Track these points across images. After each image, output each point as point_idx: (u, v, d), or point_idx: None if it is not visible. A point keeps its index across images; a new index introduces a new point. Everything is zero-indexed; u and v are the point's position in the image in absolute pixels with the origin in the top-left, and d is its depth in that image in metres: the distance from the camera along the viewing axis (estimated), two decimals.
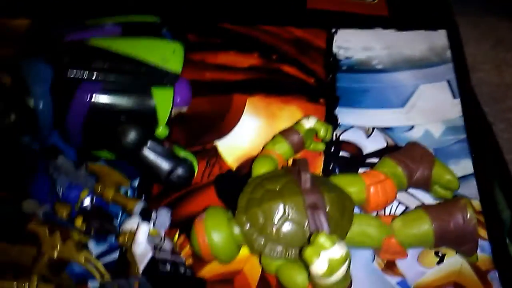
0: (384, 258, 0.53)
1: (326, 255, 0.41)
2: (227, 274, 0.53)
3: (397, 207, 0.58)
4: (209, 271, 0.52)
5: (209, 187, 0.61)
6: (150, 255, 0.48)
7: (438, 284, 0.52)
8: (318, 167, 0.61)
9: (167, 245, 0.51)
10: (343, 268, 0.42)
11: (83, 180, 0.54)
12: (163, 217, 0.51)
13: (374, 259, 0.54)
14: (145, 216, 0.51)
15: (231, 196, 0.56)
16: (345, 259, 0.41)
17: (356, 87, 0.70)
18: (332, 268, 0.41)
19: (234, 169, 0.63)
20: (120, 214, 0.57)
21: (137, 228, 0.49)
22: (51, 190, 0.56)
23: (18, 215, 0.53)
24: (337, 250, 0.41)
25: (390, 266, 0.54)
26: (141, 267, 0.48)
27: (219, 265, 0.52)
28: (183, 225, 0.55)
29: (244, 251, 0.53)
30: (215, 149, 0.65)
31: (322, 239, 0.41)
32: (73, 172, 0.54)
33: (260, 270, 0.53)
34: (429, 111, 0.68)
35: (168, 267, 0.48)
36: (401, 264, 0.54)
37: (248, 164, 0.63)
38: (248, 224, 0.50)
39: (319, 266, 0.41)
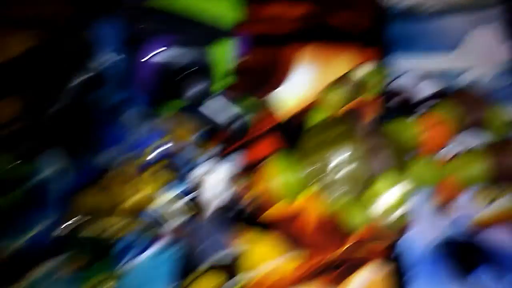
0: (441, 197, 0.55)
1: (390, 192, 0.43)
2: (289, 214, 0.56)
3: (451, 150, 0.60)
4: (273, 211, 0.56)
5: (267, 136, 0.64)
6: (221, 197, 0.52)
7: (493, 221, 0.54)
8: (372, 114, 0.63)
9: (234, 188, 0.55)
10: (403, 207, 0.44)
11: (155, 130, 0.58)
12: (232, 162, 0.55)
13: (430, 199, 0.56)
14: (218, 160, 0.55)
15: (288, 143, 0.60)
16: (405, 197, 0.44)
17: (408, 33, 0.71)
18: (393, 206, 0.44)
19: (290, 118, 0.65)
20: (192, 160, 0.61)
21: (209, 173, 0.53)
22: (126, 141, 0.60)
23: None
24: (397, 190, 0.43)
25: (446, 206, 0.56)
26: (216, 206, 0.52)
27: (283, 206, 0.56)
28: (246, 171, 0.59)
29: (306, 193, 0.56)
30: (270, 100, 0.67)
31: (385, 178, 0.44)
32: (146, 123, 0.58)
33: (321, 210, 0.56)
34: (480, 55, 0.68)
35: (238, 207, 0.52)
36: (456, 203, 0.55)
37: (303, 113, 0.65)
38: (311, 167, 0.53)
39: (381, 205, 0.44)
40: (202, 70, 0.58)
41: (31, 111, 0.57)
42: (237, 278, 0.47)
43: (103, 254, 0.51)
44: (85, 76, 0.56)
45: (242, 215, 0.53)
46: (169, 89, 0.57)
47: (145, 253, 0.55)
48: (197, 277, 0.48)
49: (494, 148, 0.53)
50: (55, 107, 0.56)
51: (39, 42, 0.60)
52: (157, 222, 0.54)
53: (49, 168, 0.62)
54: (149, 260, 0.54)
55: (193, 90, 0.56)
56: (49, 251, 0.54)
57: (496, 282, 0.49)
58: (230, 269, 0.48)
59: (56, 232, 0.56)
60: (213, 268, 0.47)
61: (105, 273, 0.49)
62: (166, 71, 0.56)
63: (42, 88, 0.60)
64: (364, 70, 0.61)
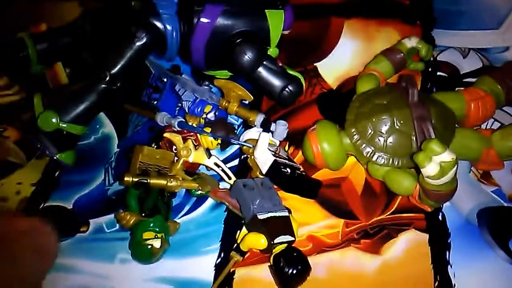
0: (481, 169, 0.57)
1: (438, 159, 0.45)
2: (335, 180, 0.59)
3: (492, 124, 0.61)
4: (319, 177, 0.58)
5: (312, 105, 0.66)
6: (272, 159, 0.54)
7: None
8: (417, 86, 0.64)
9: (282, 153, 0.57)
10: (453, 171, 0.46)
11: (207, 96, 0.61)
12: (282, 128, 0.57)
13: (470, 170, 0.58)
14: (265, 127, 0.57)
15: (332, 112, 0.61)
16: (454, 163, 0.46)
17: (452, 8, 0.71)
18: (443, 170, 0.45)
19: (334, 88, 0.67)
20: (238, 126, 0.64)
21: (259, 137, 0.55)
22: (178, 106, 0.63)
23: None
24: (448, 155, 0.45)
25: (485, 177, 0.57)
26: (264, 170, 0.55)
27: (328, 172, 0.58)
28: (291, 138, 0.62)
29: (350, 160, 0.58)
30: (315, 70, 0.69)
31: (434, 145, 0.45)
32: (197, 89, 0.61)
33: (364, 177, 0.58)
34: None
35: (288, 170, 0.54)
36: (496, 175, 0.57)
37: (347, 83, 0.67)
38: (358, 135, 0.55)
39: (431, 169, 0.45)
40: (257, 36, 0.59)
41: (90, 74, 0.60)
42: (282, 237, 0.49)
43: (162, 207, 0.54)
44: (145, 41, 0.57)
45: (289, 179, 0.55)
46: (223, 54, 0.58)
47: (198, 209, 0.58)
48: (245, 235, 0.51)
49: None
50: (115, 70, 0.58)
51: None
52: (211, 181, 0.57)
53: (104, 128, 0.66)
54: (202, 216, 0.57)
55: (247, 56, 0.57)
56: (111, 203, 0.58)
57: None
58: (277, 228, 0.50)
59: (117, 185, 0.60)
60: (263, 225, 0.49)
61: (163, 224, 0.52)
62: (221, 36, 0.58)
63: (102, 50, 0.63)
64: (413, 41, 0.62)
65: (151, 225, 0.51)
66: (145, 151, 0.55)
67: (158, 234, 0.51)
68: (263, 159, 0.55)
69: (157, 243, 0.50)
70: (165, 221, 0.52)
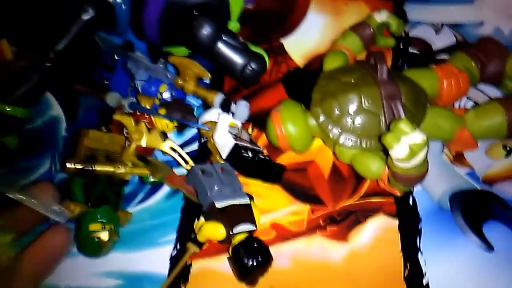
0: (455, 150, 0.54)
1: (407, 140, 0.42)
2: (300, 163, 0.55)
3: (466, 103, 0.58)
4: (283, 160, 0.55)
5: (277, 84, 0.62)
6: (232, 143, 0.50)
7: (506, 176, 0.53)
8: (387, 63, 0.61)
9: (244, 135, 0.53)
10: (423, 153, 0.43)
11: (161, 74, 0.56)
12: (243, 109, 0.53)
13: (443, 151, 0.55)
14: (225, 108, 0.53)
15: (299, 91, 0.58)
16: (425, 144, 0.42)
17: None
18: (412, 152, 0.42)
19: (301, 66, 0.63)
20: (197, 107, 0.59)
21: (218, 119, 0.51)
22: (131, 85, 0.58)
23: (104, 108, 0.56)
24: (417, 135, 0.42)
25: (459, 158, 0.55)
26: (224, 154, 0.51)
27: (293, 155, 0.55)
28: (254, 120, 0.58)
29: (316, 142, 0.55)
30: (281, 47, 0.65)
31: (403, 124, 0.42)
32: (151, 67, 0.56)
33: (332, 160, 0.55)
34: (499, 7, 0.66)
35: (250, 154, 0.51)
36: (469, 156, 0.54)
37: (315, 60, 0.63)
38: (323, 116, 0.51)
39: (400, 151, 0.42)
40: (216, 9, 0.55)
41: (34, 52, 0.55)
42: (244, 225, 0.46)
43: (111, 196, 0.50)
44: (91, 15, 0.53)
45: (251, 163, 0.51)
46: (179, 28, 0.54)
47: (153, 197, 0.54)
48: (203, 224, 0.47)
49: (510, 102, 0.51)
50: (59, 47, 0.53)
51: None
52: (164, 167, 0.53)
53: (52, 110, 0.61)
54: (157, 205, 0.54)
55: (205, 30, 0.53)
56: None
57: (505, 236, 0.49)
58: (237, 216, 0.47)
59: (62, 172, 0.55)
60: (221, 214, 0.46)
61: (111, 214, 0.48)
62: (176, 8, 0.53)
63: (45, 27, 0.57)
64: (383, 16, 0.58)
65: (98, 216, 0.46)
66: (90, 135, 0.50)
67: (106, 226, 0.46)
68: (223, 142, 0.51)
69: (104, 235, 0.46)
70: (113, 211, 0.48)
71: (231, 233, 0.45)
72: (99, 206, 0.47)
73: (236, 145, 0.50)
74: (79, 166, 0.47)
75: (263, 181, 0.53)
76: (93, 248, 0.46)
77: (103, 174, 0.48)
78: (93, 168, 0.48)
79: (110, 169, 0.49)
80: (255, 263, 0.44)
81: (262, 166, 0.52)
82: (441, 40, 0.64)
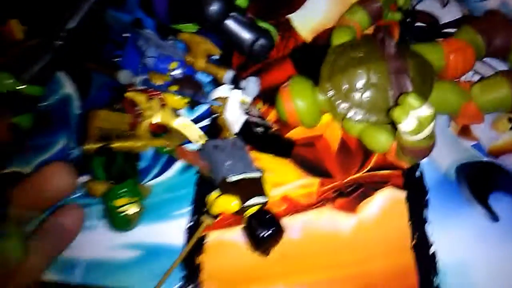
0: (461, 123, 0.55)
1: (415, 113, 0.43)
2: (309, 138, 0.56)
3: (472, 76, 0.59)
4: (292, 135, 0.56)
5: (285, 60, 0.63)
6: (243, 118, 0.51)
7: (511, 148, 0.54)
8: (394, 37, 0.61)
9: (254, 111, 0.54)
10: (431, 126, 0.44)
11: (172, 51, 0.57)
12: (253, 85, 0.54)
13: (449, 125, 0.56)
14: (235, 84, 0.54)
15: (307, 67, 0.58)
16: (433, 117, 0.43)
17: None
18: (420, 125, 0.43)
19: (309, 41, 0.64)
20: (207, 84, 0.60)
21: (228, 95, 0.52)
22: (141, 63, 0.59)
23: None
24: (425, 109, 0.43)
25: (465, 131, 0.56)
26: (235, 129, 0.52)
27: (302, 130, 0.56)
28: (263, 96, 0.59)
29: (325, 118, 0.56)
30: (288, 23, 0.65)
31: (411, 98, 0.43)
32: (161, 44, 0.57)
33: (340, 135, 0.56)
34: None
35: (260, 129, 0.52)
36: (475, 129, 0.55)
37: (322, 36, 0.64)
38: (332, 91, 0.52)
39: (408, 124, 0.43)
40: None
41: (45, 30, 0.55)
42: (256, 198, 0.48)
43: (130, 171, 0.51)
44: None
45: (261, 138, 0.52)
46: (188, 5, 0.54)
47: (167, 172, 0.55)
48: (216, 197, 0.48)
49: None
50: (71, 25, 0.54)
51: None
52: (177, 135, 0.54)
53: (64, 89, 0.62)
54: (171, 179, 0.55)
55: (213, 6, 0.53)
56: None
57: (511, 205, 0.50)
58: (249, 189, 0.48)
59: (77, 152, 0.56)
60: (234, 187, 0.47)
61: (135, 188, 0.49)
62: None
63: (56, 5, 0.58)
64: None
65: (123, 191, 0.48)
66: (101, 116, 0.51)
67: (131, 199, 0.48)
68: (234, 118, 0.52)
69: (133, 209, 0.48)
70: (136, 185, 0.49)
71: (244, 205, 0.47)
72: (122, 182, 0.48)
73: (246, 121, 0.51)
74: (97, 145, 0.48)
75: (273, 155, 0.54)
76: (124, 223, 0.48)
77: (121, 150, 0.50)
78: (111, 145, 0.49)
79: (127, 144, 0.50)
80: (268, 234, 0.46)
81: (272, 141, 0.53)
82: (448, 14, 0.64)
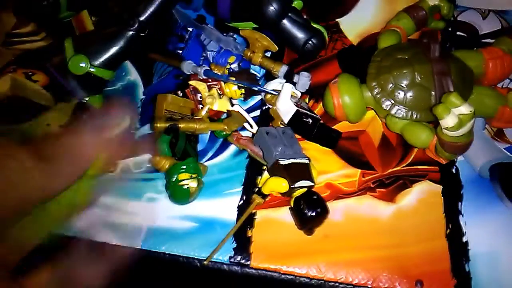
0: (496, 126, 0.59)
1: (457, 111, 0.47)
2: (353, 132, 0.61)
3: (508, 84, 0.62)
4: (338, 129, 0.60)
5: (333, 60, 0.67)
6: (294, 109, 0.56)
7: None
8: (440, 42, 0.65)
9: (303, 104, 0.59)
10: (470, 123, 0.48)
11: (232, 45, 0.62)
12: (305, 79, 0.59)
13: (485, 127, 0.59)
14: (289, 77, 0.59)
15: (353, 67, 0.63)
16: (472, 115, 0.47)
17: None
18: (461, 122, 0.47)
19: (355, 44, 0.68)
20: (262, 78, 0.65)
21: (282, 88, 0.57)
22: (202, 55, 0.65)
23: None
24: (466, 107, 0.47)
25: (499, 134, 0.59)
26: (286, 119, 0.57)
27: (347, 124, 0.60)
28: (310, 92, 0.63)
29: (369, 114, 0.60)
30: (337, 26, 0.70)
31: (453, 97, 0.47)
32: (223, 38, 0.62)
33: (382, 131, 0.60)
34: None
35: (310, 120, 0.56)
36: (509, 133, 0.59)
37: (368, 39, 0.68)
38: (378, 89, 0.56)
39: (450, 120, 0.47)
40: None
41: (119, 21, 0.61)
42: (304, 181, 0.52)
43: (191, 151, 0.56)
44: None
45: (311, 128, 0.57)
46: (249, 4, 0.59)
47: (221, 155, 0.60)
48: (268, 179, 0.53)
49: None
50: (144, 17, 0.59)
51: None
52: (238, 119, 0.59)
53: (130, 75, 0.67)
54: (225, 161, 0.60)
55: (273, 6, 0.58)
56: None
57: None
58: (298, 173, 0.53)
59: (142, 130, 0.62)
60: (284, 170, 0.52)
61: (196, 166, 0.54)
62: None
63: None
64: (434, 0, 0.63)
65: (185, 167, 0.53)
66: (169, 99, 0.57)
67: (193, 175, 0.53)
68: (286, 108, 0.57)
69: (193, 183, 0.53)
70: (196, 163, 0.54)
71: (292, 187, 0.51)
72: (184, 159, 0.53)
73: (297, 111, 0.56)
74: (167, 124, 0.54)
75: (321, 145, 0.58)
76: (185, 195, 0.53)
77: (186, 130, 0.55)
78: (179, 125, 0.54)
79: (192, 125, 0.55)
80: (314, 214, 0.50)
81: (321, 131, 0.57)
82: (487, 25, 0.68)
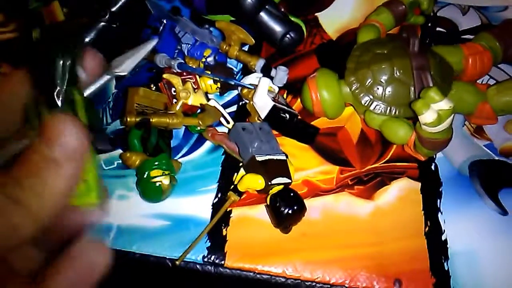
0: (475, 123, 0.58)
1: (436, 106, 0.46)
2: (331, 129, 0.60)
3: (488, 81, 0.62)
4: (316, 125, 0.59)
5: (311, 55, 0.66)
6: (271, 104, 0.54)
7: None
8: (418, 37, 0.64)
9: (281, 100, 0.58)
10: (449, 119, 0.47)
11: (207, 38, 0.60)
12: (282, 73, 0.57)
13: (464, 124, 0.59)
14: (266, 72, 0.57)
15: (331, 63, 0.62)
16: (452, 111, 0.47)
17: None
18: (440, 117, 0.46)
19: (334, 39, 0.67)
20: (239, 72, 0.64)
21: (258, 82, 0.55)
22: (177, 48, 0.62)
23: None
24: (445, 103, 0.46)
25: (478, 131, 0.59)
26: (263, 114, 0.55)
27: (325, 121, 0.59)
28: (288, 87, 0.62)
29: (347, 110, 0.59)
30: (316, 20, 0.69)
31: (433, 92, 0.46)
32: (198, 31, 0.60)
33: (360, 127, 0.59)
34: None
35: (287, 115, 0.55)
36: (488, 130, 0.58)
37: (348, 34, 0.67)
38: (357, 84, 0.55)
39: (429, 116, 0.46)
40: None
41: (89, 12, 0.59)
42: (281, 178, 0.50)
43: (163, 146, 0.54)
44: None
45: (288, 124, 0.55)
46: None
47: (196, 151, 0.58)
48: (243, 175, 0.51)
49: None
50: (114, 8, 0.57)
51: None
52: (212, 113, 0.57)
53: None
54: (200, 158, 0.58)
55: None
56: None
57: None
58: (275, 169, 0.51)
59: (114, 126, 0.60)
60: (260, 167, 0.50)
61: (169, 162, 0.52)
62: None
63: None
64: None
65: (157, 163, 0.51)
66: (141, 92, 0.55)
67: (165, 172, 0.51)
68: (263, 103, 0.55)
69: (166, 180, 0.51)
70: (169, 159, 0.52)
71: (269, 183, 0.50)
72: (157, 155, 0.51)
73: (274, 106, 0.54)
74: (138, 118, 0.52)
75: (298, 141, 0.57)
76: (157, 193, 0.51)
77: (158, 125, 0.53)
78: (151, 120, 0.52)
79: (165, 120, 0.53)
80: (290, 212, 0.49)
81: (299, 127, 0.56)
82: (467, 21, 0.67)
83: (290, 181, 0.51)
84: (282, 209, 0.49)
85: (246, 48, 0.64)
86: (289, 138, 0.58)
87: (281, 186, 0.51)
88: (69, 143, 0.24)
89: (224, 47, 0.59)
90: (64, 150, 0.24)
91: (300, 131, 0.56)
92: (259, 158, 0.51)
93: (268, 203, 0.50)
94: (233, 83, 0.56)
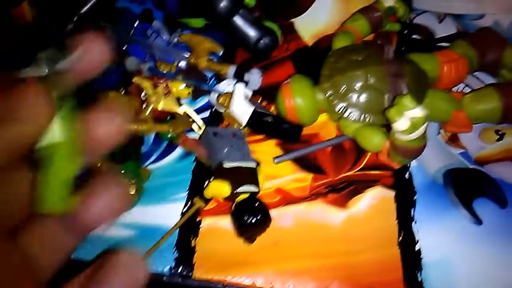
0: (450, 131, 0.57)
1: (409, 114, 0.45)
2: (305, 136, 0.58)
3: (463, 89, 0.62)
4: None
5: (287, 61, 0.65)
6: (251, 109, 0.53)
7: (496, 158, 0.57)
8: (395, 44, 0.64)
9: (257, 104, 0.57)
10: (423, 127, 0.46)
11: (175, 55, 0.59)
12: (256, 76, 0.56)
13: (439, 132, 0.58)
14: (239, 76, 0.56)
15: (307, 69, 0.61)
16: (425, 119, 0.46)
17: None
18: (413, 125, 0.45)
19: (310, 45, 0.66)
20: (210, 78, 0.62)
21: (233, 89, 0.54)
22: (148, 52, 0.61)
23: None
24: (419, 110, 0.45)
25: (453, 139, 0.58)
26: (244, 120, 0.54)
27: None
28: (263, 93, 0.61)
29: (322, 117, 0.58)
30: (291, 26, 0.68)
31: (406, 100, 0.45)
32: (164, 49, 0.58)
33: (335, 134, 0.58)
34: (500, 0, 0.69)
35: (269, 118, 0.54)
36: (463, 138, 0.58)
37: (324, 40, 0.67)
38: (331, 91, 0.54)
39: (402, 123, 0.45)
40: None
41: (56, 14, 0.57)
42: (248, 186, 0.49)
43: (132, 153, 0.52)
44: None
45: (271, 126, 0.54)
46: (198, 1, 0.56)
47: (166, 158, 0.57)
48: (209, 183, 0.50)
49: (506, 89, 0.55)
50: (82, 11, 0.56)
51: None
52: (185, 120, 0.55)
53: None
54: (170, 165, 0.56)
55: (223, 2, 0.55)
56: None
57: (494, 212, 0.52)
58: (242, 177, 0.50)
59: None
60: (227, 174, 0.49)
61: (136, 170, 0.50)
62: None
63: None
64: (390, 1, 0.61)
65: (124, 171, 0.49)
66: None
67: (131, 180, 0.49)
68: (242, 110, 0.54)
69: (131, 189, 0.49)
70: (137, 167, 0.51)
71: (235, 192, 0.48)
72: (124, 162, 0.50)
73: (255, 110, 0.53)
74: None
75: (284, 140, 0.56)
76: None
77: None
78: None
79: (133, 126, 0.51)
80: (253, 221, 0.47)
81: (282, 126, 0.55)
82: (443, 29, 0.67)
83: (257, 190, 0.50)
84: (245, 218, 0.47)
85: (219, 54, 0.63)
86: (263, 145, 0.56)
87: (248, 195, 0.49)
88: None
89: (192, 60, 0.58)
90: None
91: (284, 131, 0.55)
92: (227, 165, 0.50)
93: (232, 211, 0.49)
94: (206, 88, 0.55)
